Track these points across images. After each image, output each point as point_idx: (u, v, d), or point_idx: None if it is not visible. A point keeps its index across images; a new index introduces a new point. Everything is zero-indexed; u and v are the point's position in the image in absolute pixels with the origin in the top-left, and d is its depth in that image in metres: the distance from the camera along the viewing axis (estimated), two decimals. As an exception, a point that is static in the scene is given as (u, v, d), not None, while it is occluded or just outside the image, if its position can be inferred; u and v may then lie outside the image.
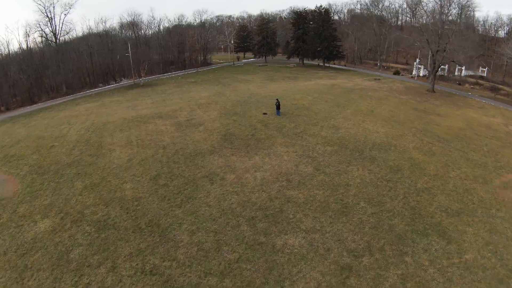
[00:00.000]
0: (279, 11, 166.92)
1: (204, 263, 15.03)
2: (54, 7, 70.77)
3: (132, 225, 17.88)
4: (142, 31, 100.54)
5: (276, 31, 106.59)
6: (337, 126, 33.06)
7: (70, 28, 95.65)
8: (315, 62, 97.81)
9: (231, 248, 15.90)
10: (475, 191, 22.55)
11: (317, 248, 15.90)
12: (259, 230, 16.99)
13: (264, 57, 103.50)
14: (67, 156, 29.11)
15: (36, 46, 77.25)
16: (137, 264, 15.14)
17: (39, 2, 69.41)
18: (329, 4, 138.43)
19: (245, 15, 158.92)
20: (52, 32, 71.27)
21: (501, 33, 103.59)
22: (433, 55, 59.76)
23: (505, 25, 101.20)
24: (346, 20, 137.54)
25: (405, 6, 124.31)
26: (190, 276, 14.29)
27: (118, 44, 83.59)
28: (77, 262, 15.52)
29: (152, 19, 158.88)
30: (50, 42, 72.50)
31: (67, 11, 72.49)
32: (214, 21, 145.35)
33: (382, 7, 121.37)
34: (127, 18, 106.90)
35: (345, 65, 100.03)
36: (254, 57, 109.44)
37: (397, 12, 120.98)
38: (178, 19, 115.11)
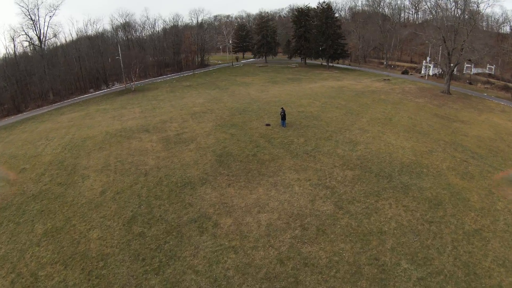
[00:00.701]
0: (278, 9, 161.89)
1: None
2: (38, 9, 65.48)
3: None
4: (137, 33, 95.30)
5: (276, 30, 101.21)
6: (355, 141, 27.87)
7: (57, 31, 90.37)
8: (318, 61, 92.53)
9: None
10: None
11: None
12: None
13: (264, 57, 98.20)
14: (35, 184, 24.36)
15: (23, 51, 72.32)
16: None
17: (22, 4, 64.25)
18: (330, 2, 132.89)
19: (244, 14, 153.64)
20: (37, 36, 66.04)
21: (507, 29, 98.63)
22: (449, 53, 54.50)
23: (510, 20, 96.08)
24: (347, 18, 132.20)
25: (407, 2, 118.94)
26: None
27: (110, 47, 78.39)
28: None
29: (146, 19, 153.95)
30: (35, 46, 67.26)
31: (52, 13, 67.21)
32: (212, 20, 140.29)
33: (383, 4, 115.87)
34: (118, 19, 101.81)
35: (349, 65, 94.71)
36: (254, 57, 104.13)
37: (399, 8, 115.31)
38: (173, 19, 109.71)
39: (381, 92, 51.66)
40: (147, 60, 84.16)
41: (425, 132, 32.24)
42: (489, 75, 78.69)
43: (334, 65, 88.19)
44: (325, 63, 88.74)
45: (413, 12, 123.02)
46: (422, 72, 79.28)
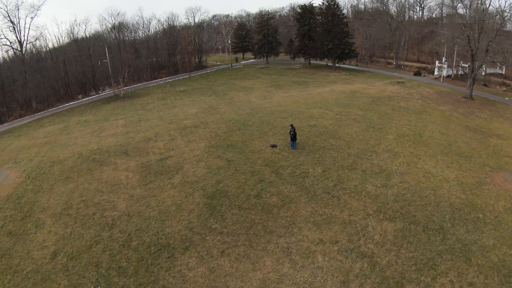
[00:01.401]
0: (279, 8, 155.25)
1: None
2: (18, 10, 59.40)
3: None
4: (131, 33, 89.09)
5: (278, 29, 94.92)
6: (386, 170, 21.90)
7: (40, 33, 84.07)
8: (323, 62, 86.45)
9: None
10: None
11: None
12: None
13: (265, 58, 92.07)
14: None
15: (5, 56, 66.44)
16: None
17: (0, 5, 58.29)
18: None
19: (244, 14, 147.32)
20: (17, 39, 60.00)
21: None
22: (472, 54, 48.37)
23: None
24: (349, 16, 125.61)
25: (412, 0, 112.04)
26: None
27: (100, 49, 72.26)
28: None
29: (139, 18, 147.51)
30: (15, 51, 61.20)
31: (34, 14, 61.37)
32: (211, 20, 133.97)
33: (387, 1, 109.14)
34: (107, 19, 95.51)
35: (356, 65, 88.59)
36: (254, 58, 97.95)
37: (403, 6, 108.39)
38: (168, 18, 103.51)
39: (399, 98, 45.64)
40: (139, 63, 78.22)
41: (464, 154, 26.25)
42: (500, 75, 72.89)
43: (340, 65, 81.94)
44: (330, 64, 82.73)
45: (418, 10, 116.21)
46: (436, 73, 73.27)
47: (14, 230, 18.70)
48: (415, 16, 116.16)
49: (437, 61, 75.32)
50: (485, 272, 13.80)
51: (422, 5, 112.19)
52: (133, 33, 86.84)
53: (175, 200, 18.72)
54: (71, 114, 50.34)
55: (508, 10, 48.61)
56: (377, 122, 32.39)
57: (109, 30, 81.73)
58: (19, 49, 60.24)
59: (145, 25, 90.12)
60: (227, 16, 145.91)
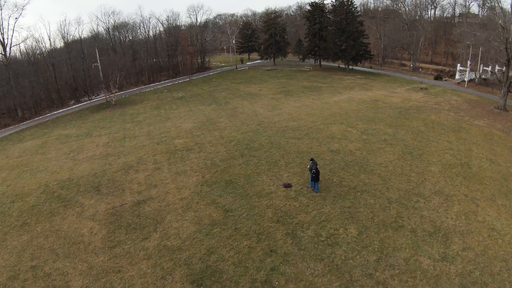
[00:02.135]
0: (286, 7, 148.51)
1: None
2: (1, 10, 53.98)
3: None
4: (128, 33, 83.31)
5: (286, 28, 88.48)
6: (441, 228, 15.85)
7: (27, 35, 78.68)
8: (334, 63, 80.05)
9: None
10: None
11: None
12: None
13: (272, 59, 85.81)
14: None
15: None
16: None
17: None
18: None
19: (249, 13, 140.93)
20: (0, 42, 54.55)
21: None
22: (509, 59, 41.77)
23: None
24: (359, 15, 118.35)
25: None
26: None
27: (94, 52, 66.59)
28: None
29: (137, 17, 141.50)
30: (-2, 55, 55.82)
31: (19, 14, 55.81)
32: (214, 18, 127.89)
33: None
34: (101, 18, 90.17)
35: (370, 67, 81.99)
36: (261, 59, 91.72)
37: (415, 5, 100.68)
38: (168, 16, 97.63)
39: (428, 109, 39.32)
40: (137, 65, 72.60)
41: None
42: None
43: (353, 68, 75.31)
44: (342, 66, 76.30)
45: (429, 8, 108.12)
46: (457, 77, 66.49)
47: None
48: (426, 16, 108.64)
49: (458, 65, 68.46)
50: None
51: (435, 4, 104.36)
52: (129, 33, 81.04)
53: (147, 283, 12.80)
54: (55, 126, 44.83)
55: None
56: (412, 145, 26.17)
57: (104, 30, 76.09)
58: (2, 52, 54.86)
59: (145, 25, 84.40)
60: (233, 15, 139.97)
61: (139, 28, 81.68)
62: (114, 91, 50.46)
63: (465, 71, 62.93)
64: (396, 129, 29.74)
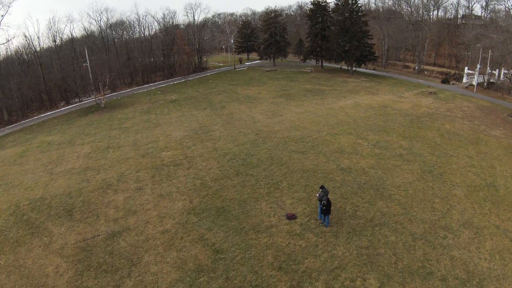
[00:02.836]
0: (286, 6, 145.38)
1: None
2: (-15, 8, 50.85)
3: None
4: (121, 32, 79.88)
5: (286, 27, 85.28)
6: (475, 274, 13.14)
7: (13, 34, 75.31)
8: (336, 65, 76.96)
9: None
10: None
11: None
12: None
13: (272, 59, 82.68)
14: None
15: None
16: None
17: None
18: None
19: (249, 12, 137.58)
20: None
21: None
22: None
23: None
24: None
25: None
26: None
27: (84, 51, 63.28)
28: None
29: (131, 15, 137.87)
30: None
31: (5, 11, 52.55)
32: (212, 17, 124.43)
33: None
34: (93, 16, 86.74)
35: (374, 69, 78.96)
36: (260, 59, 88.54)
37: (417, 6, 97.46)
38: (164, 15, 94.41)
39: (440, 116, 36.38)
40: (130, 65, 69.45)
41: None
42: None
43: (356, 69, 72.13)
44: (345, 67, 73.25)
45: (432, 9, 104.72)
46: (464, 80, 63.50)
47: None
48: (427, 17, 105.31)
49: (466, 67, 65.47)
50: None
51: (438, 4, 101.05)
52: (124, 32, 77.76)
53: None
54: (40, 131, 41.71)
55: None
56: (431, 161, 23.15)
57: (97, 28, 72.77)
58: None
59: (140, 23, 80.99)
60: (232, 14, 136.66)
61: (134, 26, 78.36)
62: (104, 93, 47.32)
63: (473, 74, 60.06)
64: (411, 142, 26.72)
